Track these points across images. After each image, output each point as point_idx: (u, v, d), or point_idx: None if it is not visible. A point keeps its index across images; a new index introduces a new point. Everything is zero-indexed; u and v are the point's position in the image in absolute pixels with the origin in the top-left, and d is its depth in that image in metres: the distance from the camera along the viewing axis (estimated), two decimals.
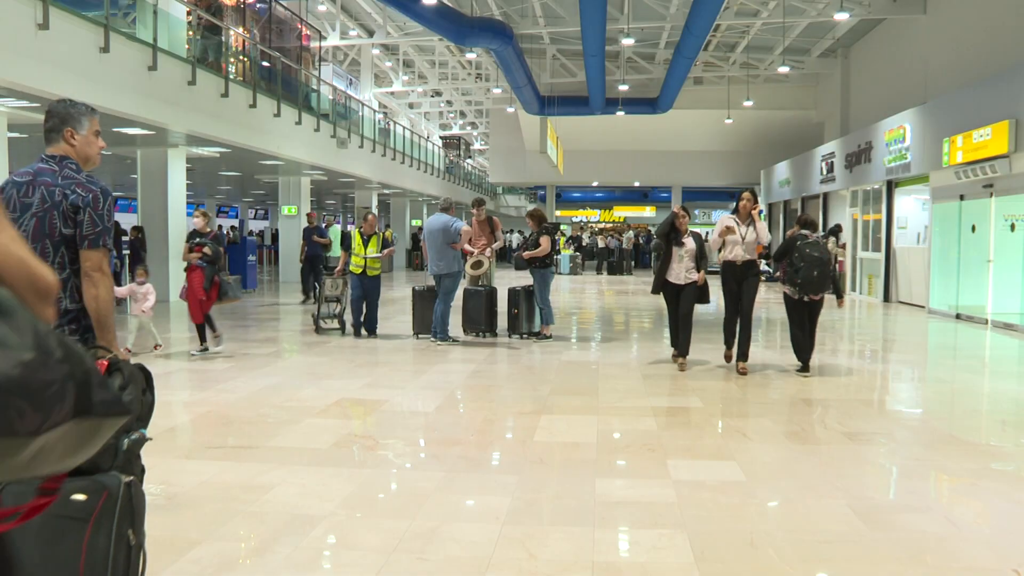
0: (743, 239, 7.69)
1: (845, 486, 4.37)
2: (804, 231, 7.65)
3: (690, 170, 33.26)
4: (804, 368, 7.71)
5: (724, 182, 33.69)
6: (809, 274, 7.32)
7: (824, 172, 20.68)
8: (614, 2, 18.50)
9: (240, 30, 16.89)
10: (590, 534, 3.64)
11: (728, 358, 8.02)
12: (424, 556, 3.40)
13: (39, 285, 1.20)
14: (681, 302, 8.07)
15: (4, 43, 8.93)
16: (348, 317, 10.68)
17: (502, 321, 10.47)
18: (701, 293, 8.09)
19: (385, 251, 10.30)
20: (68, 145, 2.81)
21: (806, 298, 7.52)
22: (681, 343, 8.09)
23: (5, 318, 1.06)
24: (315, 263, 15.42)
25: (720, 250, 7.85)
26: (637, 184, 39.17)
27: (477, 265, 10.32)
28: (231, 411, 6.14)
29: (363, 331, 10.36)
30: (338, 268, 10.71)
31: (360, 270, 10.13)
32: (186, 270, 8.87)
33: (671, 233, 8.07)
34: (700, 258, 8.05)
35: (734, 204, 8.12)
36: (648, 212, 45.51)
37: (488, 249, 10.53)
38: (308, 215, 17.46)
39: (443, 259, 9.67)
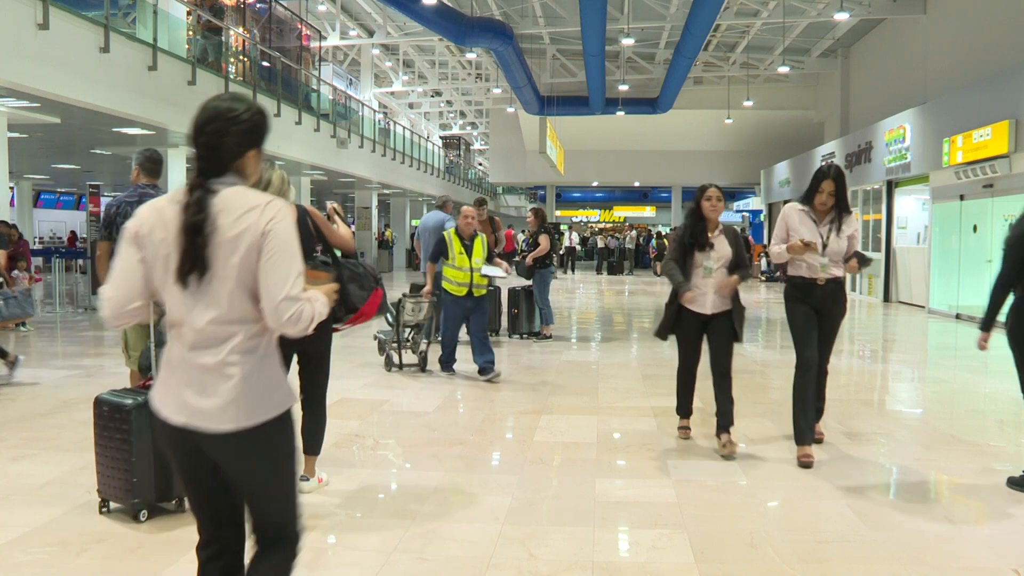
0: (824, 247, 4.69)
1: (845, 486, 4.37)
2: None
3: (690, 170, 33.27)
4: None
5: (724, 182, 33.64)
6: None
7: None
8: (614, 2, 18.50)
9: (240, 30, 16.89)
10: (590, 534, 3.64)
11: (808, 462, 4.69)
12: (424, 556, 3.40)
13: (352, 250, 4.19)
14: (711, 344, 4.97)
15: (4, 43, 8.93)
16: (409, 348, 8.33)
17: (501, 321, 10.47)
18: (736, 327, 4.95)
19: (500, 263, 7.82)
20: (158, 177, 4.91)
21: None
22: (720, 411, 4.94)
23: (359, 259, 4.19)
24: None
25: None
26: (637, 184, 39.22)
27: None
28: None
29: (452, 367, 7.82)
30: (427, 288, 7.70)
31: (465, 291, 7.29)
32: None
33: (694, 232, 4.93)
34: (739, 267, 4.94)
35: (808, 191, 4.75)
36: (648, 212, 45.55)
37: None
38: None
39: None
